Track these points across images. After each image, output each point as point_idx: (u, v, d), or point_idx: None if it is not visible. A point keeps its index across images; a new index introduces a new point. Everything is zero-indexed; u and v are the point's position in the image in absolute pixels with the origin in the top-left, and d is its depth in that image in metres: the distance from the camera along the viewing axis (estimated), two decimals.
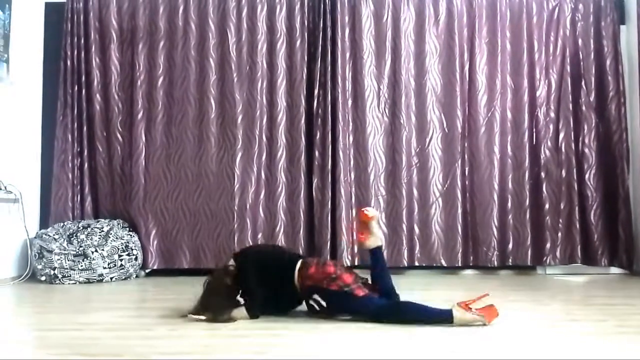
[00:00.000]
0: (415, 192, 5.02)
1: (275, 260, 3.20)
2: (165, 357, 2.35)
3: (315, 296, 2.97)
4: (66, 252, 4.50)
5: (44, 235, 4.61)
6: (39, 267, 4.53)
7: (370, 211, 3.20)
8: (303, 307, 3.13)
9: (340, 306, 2.96)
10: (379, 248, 3.15)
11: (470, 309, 2.84)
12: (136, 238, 4.85)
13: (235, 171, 4.98)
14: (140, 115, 5.02)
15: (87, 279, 4.52)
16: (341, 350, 2.48)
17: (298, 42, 5.08)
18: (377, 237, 3.17)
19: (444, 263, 4.97)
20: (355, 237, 3.18)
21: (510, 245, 4.97)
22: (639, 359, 2.35)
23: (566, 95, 5.09)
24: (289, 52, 5.10)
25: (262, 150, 5.05)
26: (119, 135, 5.07)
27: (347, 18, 5.09)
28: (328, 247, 4.90)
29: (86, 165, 5.06)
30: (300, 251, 4.94)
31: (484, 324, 2.80)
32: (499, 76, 5.06)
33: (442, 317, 2.82)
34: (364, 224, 3.18)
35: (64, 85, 5.04)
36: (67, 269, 4.48)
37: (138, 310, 3.69)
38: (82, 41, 5.08)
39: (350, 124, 5.05)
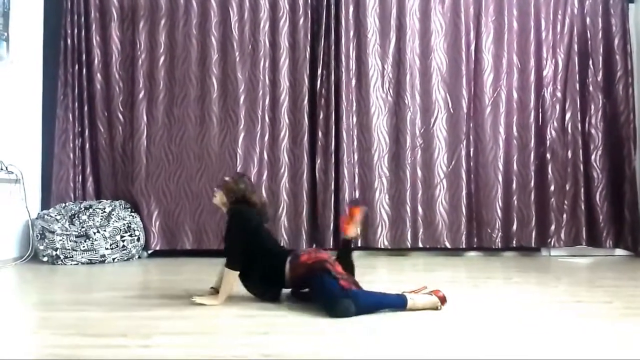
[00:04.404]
0: (419, 173, 4.98)
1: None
2: (168, 338, 2.33)
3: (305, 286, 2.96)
4: (68, 232, 4.47)
5: (45, 216, 4.59)
6: (41, 248, 4.51)
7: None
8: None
9: (322, 291, 2.80)
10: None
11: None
12: (138, 219, 4.83)
13: (238, 152, 4.93)
14: (141, 95, 4.96)
15: (89, 259, 4.50)
16: (348, 331, 2.45)
17: (301, 20, 5.01)
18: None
19: (447, 244, 4.96)
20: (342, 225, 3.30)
21: (515, 227, 4.94)
22: None
23: (573, 74, 5.02)
24: (292, 30, 5.02)
25: (264, 130, 5.00)
26: (120, 115, 5.02)
27: None
28: (331, 228, 4.89)
29: (87, 145, 5.02)
30: (304, 233, 4.93)
31: (437, 309, 2.79)
32: (505, 55, 5.00)
33: (398, 303, 2.79)
34: (351, 217, 3.27)
35: (64, 64, 4.98)
36: (69, 249, 4.46)
37: (141, 290, 3.67)
38: (82, 19, 5.01)
39: (354, 104, 4.99)
